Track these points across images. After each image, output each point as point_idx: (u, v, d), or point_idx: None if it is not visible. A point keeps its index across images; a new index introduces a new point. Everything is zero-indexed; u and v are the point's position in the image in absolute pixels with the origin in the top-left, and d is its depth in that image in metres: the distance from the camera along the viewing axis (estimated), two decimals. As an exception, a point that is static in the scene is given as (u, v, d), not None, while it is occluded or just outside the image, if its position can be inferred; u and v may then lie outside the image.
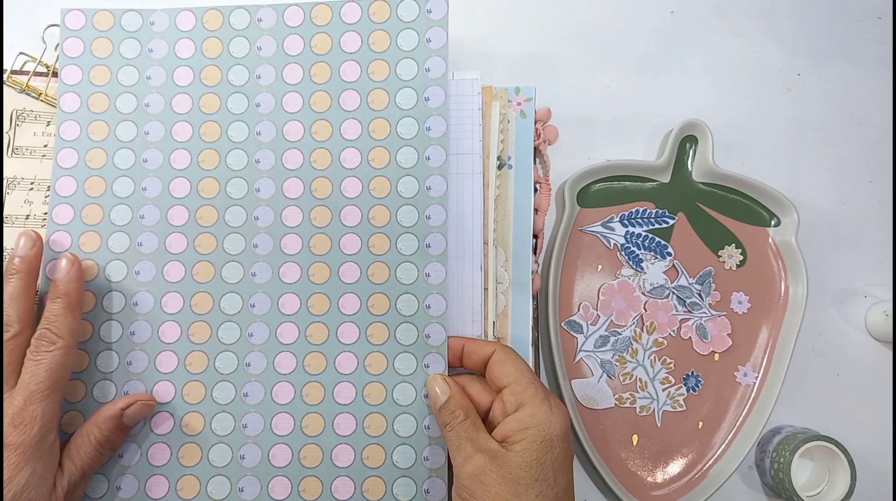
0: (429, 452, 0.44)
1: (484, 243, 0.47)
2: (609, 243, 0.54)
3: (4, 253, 0.48)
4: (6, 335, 0.41)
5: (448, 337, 0.45)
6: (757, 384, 0.52)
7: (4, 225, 0.48)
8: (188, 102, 0.47)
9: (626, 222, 0.54)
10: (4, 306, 0.41)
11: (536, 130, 0.50)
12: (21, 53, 0.50)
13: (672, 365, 0.52)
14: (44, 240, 0.45)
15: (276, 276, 0.46)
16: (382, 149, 0.46)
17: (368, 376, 0.45)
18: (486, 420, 0.43)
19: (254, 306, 0.45)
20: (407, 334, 0.45)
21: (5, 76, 0.49)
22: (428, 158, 0.46)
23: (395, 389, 0.45)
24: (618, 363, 0.52)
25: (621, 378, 0.52)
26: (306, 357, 0.45)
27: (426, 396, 0.44)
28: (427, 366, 0.44)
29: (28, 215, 0.48)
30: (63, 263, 0.43)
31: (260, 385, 0.45)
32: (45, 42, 0.50)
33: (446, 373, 0.44)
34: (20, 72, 0.50)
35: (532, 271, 0.48)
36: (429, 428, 0.44)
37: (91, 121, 0.47)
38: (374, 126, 0.46)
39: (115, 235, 0.46)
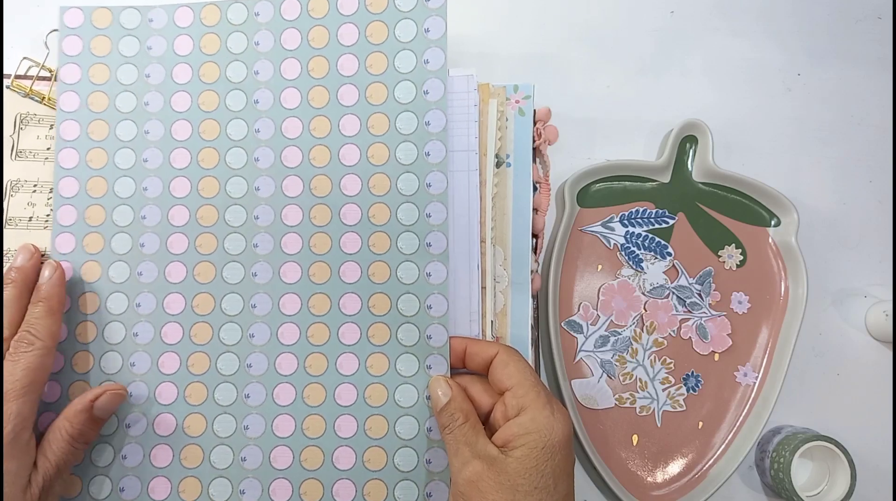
0: (431, 455, 0.44)
1: (481, 241, 0.46)
2: (609, 243, 0.54)
3: (5, 255, 0.48)
4: None
5: (450, 338, 0.44)
6: (757, 384, 0.52)
7: (8, 227, 0.48)
8: (187, 100, 0.47)
9: (626, 222, 0.54)
10: None
11: (537, 129, 0.50)
12: (25, 58, 0.50)
13: (672, 365, 0.53)
14: (49, 243, 0.46)
15: (276, 276, 0.45)
16: (381, 145, 0.45)
17: (370, 377, 0.45)
18: (487, 423, 0.42)
19: (255, 306, 0.45)
20: (408, 334, 0.44)
21: (10, 81, 0.49)
22: (427, 154, 0.45)
23: (397, 391, 0.44)
24: (618, 363, 0.52)
25: (621, 378, 0.52)
26: (307, 358, 0.45)
27: (428, 398, 0.44)
28: (429, 368, 0.44)
29: (31, 218, 0.48)
30: (46, 270, 0.44)
31: (261, 387, 0.45)
32: (47, 47, 0.50)
33: (448, 374, 0.44)
34: (24, 76, 0.50)
35: (532, 271, 0.48)
36: (431, 431, 0.44)
37: (91, 120, 0.47)
38: (373, 121, 0.46)
39: (117, 236, 0.46)
